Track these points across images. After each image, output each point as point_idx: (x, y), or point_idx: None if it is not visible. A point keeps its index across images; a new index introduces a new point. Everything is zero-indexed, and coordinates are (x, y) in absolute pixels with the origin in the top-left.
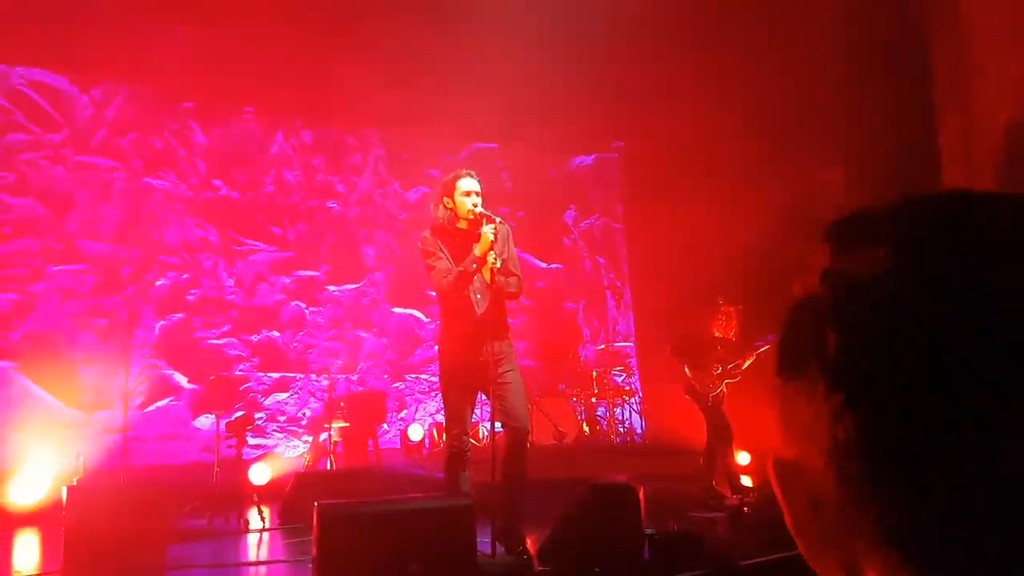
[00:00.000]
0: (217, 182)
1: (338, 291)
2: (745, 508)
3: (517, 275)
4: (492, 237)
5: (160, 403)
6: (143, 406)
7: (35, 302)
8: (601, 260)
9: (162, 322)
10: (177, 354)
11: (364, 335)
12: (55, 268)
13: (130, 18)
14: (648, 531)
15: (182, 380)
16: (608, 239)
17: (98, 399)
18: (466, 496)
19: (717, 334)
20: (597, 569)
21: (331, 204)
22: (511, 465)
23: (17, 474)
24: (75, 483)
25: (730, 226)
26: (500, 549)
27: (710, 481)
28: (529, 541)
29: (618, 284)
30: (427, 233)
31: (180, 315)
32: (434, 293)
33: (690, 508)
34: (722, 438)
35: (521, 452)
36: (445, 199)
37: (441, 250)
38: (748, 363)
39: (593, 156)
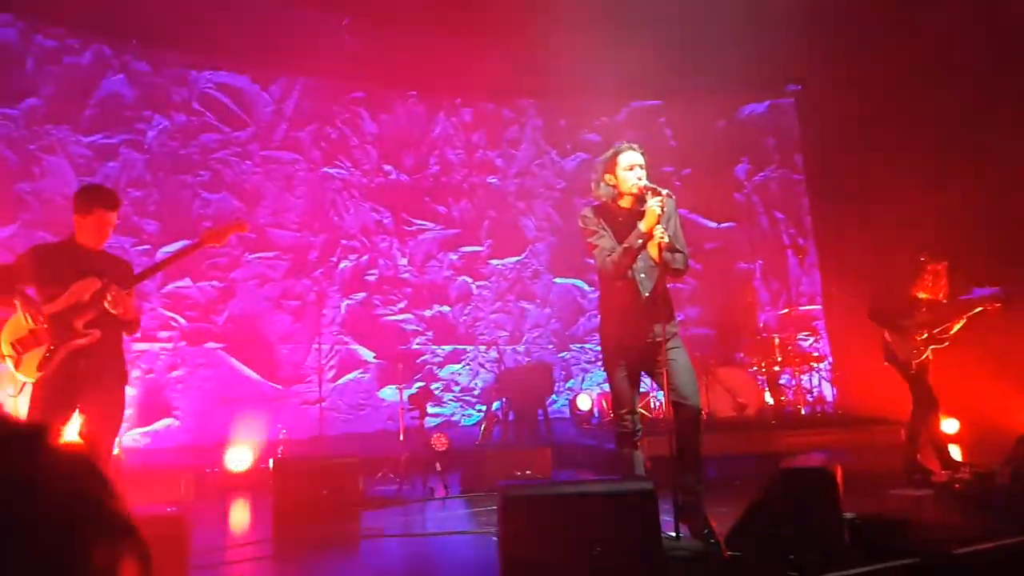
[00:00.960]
0: (387, 167)
1: (501, 264)
2: (956, 485)
3: (683, 251)
4: (659, 211)
5: (349, 376)
6: (334, 379)
7: (235, 288)
8: (779, 215)
9: (346, 301)
10: (361, 330)
11: (528, 306)
12: (251, 256)
13: (298, 16)
14: (847, 515)
15: (367, 354)
16: (787, 192)
17: (294, 374)
18: (644, 479)
19: (921, 295)
20: (792, 556)
21: (491, 179)
22: (688, 445)
23: (229, 444)
24: (279, 454)
25: (936, 173)
26: (684, 531)
27: (914, 455)
28: (713, 522)
29: (800, 241)
30: (588, 211)
31: (362, 294)
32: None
33: (892, 486)
34: (928, 407)
35: (695, 431)
36: (606, 175)
37: (603, 228)
38: (958, 327)
39: (766, 103)
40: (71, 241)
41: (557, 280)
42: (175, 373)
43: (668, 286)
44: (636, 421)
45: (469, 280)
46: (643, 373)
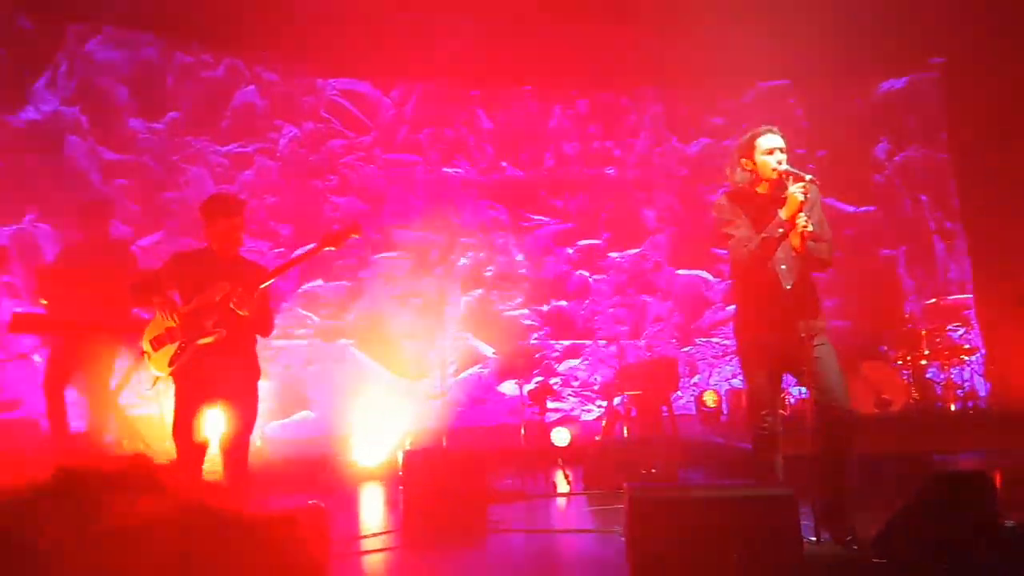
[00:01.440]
0: (504, 163)
1: (620, 257)
2: None
3: (827, 240)
4: (801, 197)
5: (470, 371)
6: (456, 373)
7: (363, 287)
8: (924, 198)
9: (466, 297)
10: (480, 326)
11: (648, 299)
12: (376, 256)
13: (413, 19)
14: (1006, 523)
15: (486, 349)
16: (931, 173)
17: (420, 368)
18: (785, 486)
19: None
20: (945, 566)
21: (608, 170)
22: (835, 449)
23: (360, 437)
24: (407, 446)
25: None
26: (825, 535)
27: None
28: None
29: (948, 225)
30: (722, 199)
31: (480, 290)
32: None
33: None
34: None
35: (845, 434)
36: (743, 160)
37: (740, 217)
38: None
39: (905, 78)
40: (208, 247)
41: (680, 272)
42: (310, 368)
43: (812, 278)
44: (777, 423)
45: (586, 274)
46: (787, 374)
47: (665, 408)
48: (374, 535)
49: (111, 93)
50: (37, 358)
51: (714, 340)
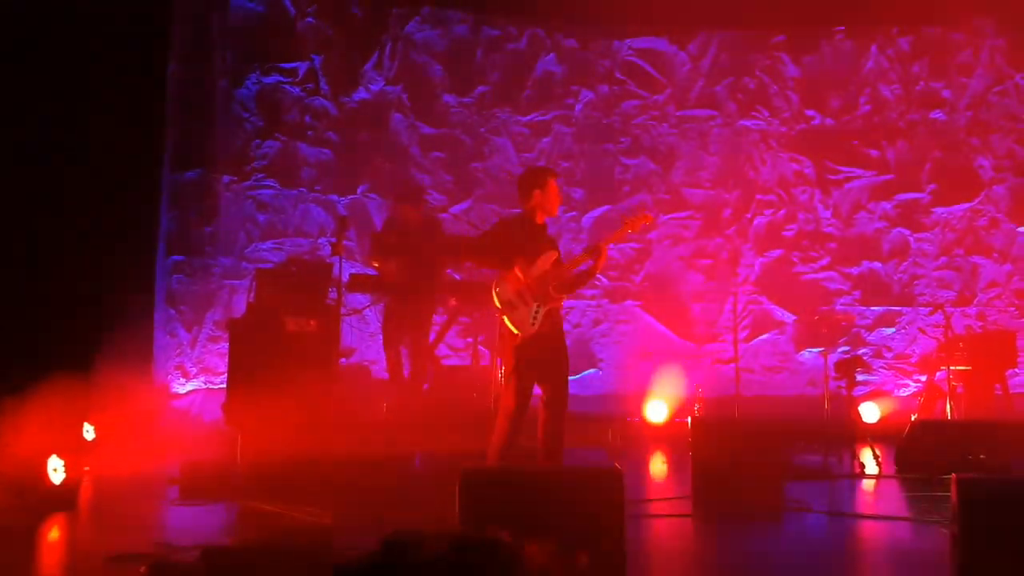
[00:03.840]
0: (810, 112)
1: (947, 212)
2: None
3: None
4: None
5: (764, 336)
6: (748, 339)
7: (651, 248)
8: None
9: (761, 259)
10: (777, 289)
11: (982, 261)
12: (665, 217)
13: None
14: None
15: (784, 314)
16: None
17: (708, 332)
18: None
19: None
20: None
21: (935, 114)
22: None
23: (648, 396)
24: (696, 412)
25: None
26: None
27: None
28: None
29: None
30: None
31: (778, 251)
32: None
33: None
34: None
35: None
36: None
37: None
38: None
39: None
40: (525, 216)
41: (1022, 229)
42: (598, 328)
43: None
44: None
45: (907, 232)
46: None
47: (999, 387)
48: (664, 499)
49: (428, 71)
50: (367, 314)
51: None
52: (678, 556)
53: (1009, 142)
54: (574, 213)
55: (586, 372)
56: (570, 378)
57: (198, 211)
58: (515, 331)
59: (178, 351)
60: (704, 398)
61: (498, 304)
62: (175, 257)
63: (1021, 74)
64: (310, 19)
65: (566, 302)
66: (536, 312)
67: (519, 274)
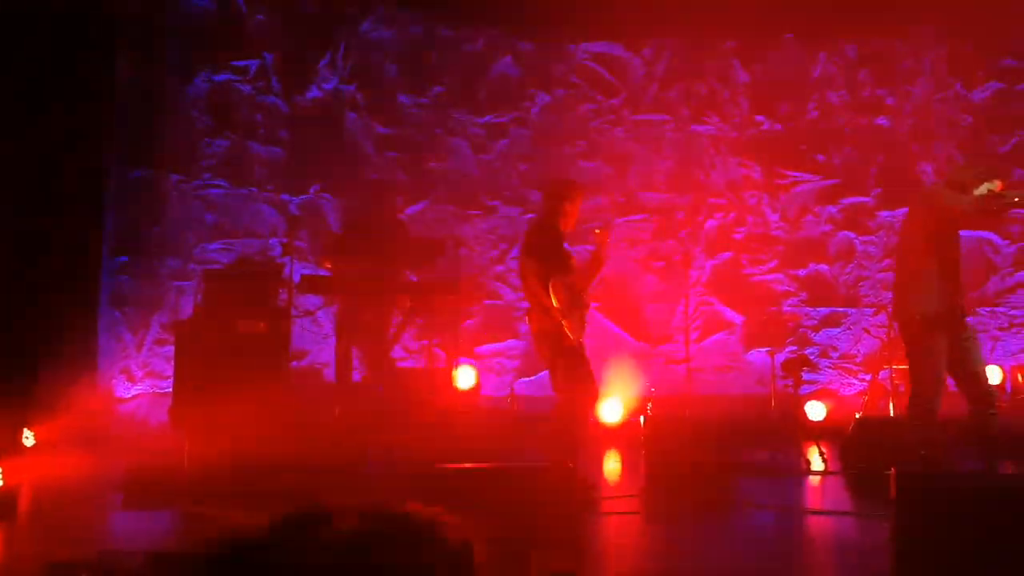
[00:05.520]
0: (759, 117)
1: (891, 216)
2: None
3: None
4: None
5: (715, 336)
6: (700, 339)
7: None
8: None
9: (712, 261)
10: (727, 290)
11: None
12: (620, 220)
13: None
14: None
15: (734, 315)
16: None
17: (661, 333)
18: None
19: None
20: None
21: (880, 120)
22: None
23: (602, 397)
24: (649, 411)
25: None
26: None
27: None
28: None
29: None
30: None
31: (728, 253)
32: None
33: None
34: None
35: None
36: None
37: None
38: None
39: None
40: (552, 224)
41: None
42: None
43: None
44: None
45: (852, 235)
46: None
47: None
48: (616, 497)
49: (382, 70)
50: (319, 316)
51: (999, 310)
52: (630, 550)
53: (950, 148)
54: (532, 215)
55: (543, 373)
56: (528, 379)
57: (145, 211)
58: (571, 336)
59: (124, 354)
60: (657, 397)
61: (558, 308)
62: (120, 258)
63: (961, 82)
64: (261, 16)
65: (523, 302)
66: (583, 317)
67: (572, 280)
